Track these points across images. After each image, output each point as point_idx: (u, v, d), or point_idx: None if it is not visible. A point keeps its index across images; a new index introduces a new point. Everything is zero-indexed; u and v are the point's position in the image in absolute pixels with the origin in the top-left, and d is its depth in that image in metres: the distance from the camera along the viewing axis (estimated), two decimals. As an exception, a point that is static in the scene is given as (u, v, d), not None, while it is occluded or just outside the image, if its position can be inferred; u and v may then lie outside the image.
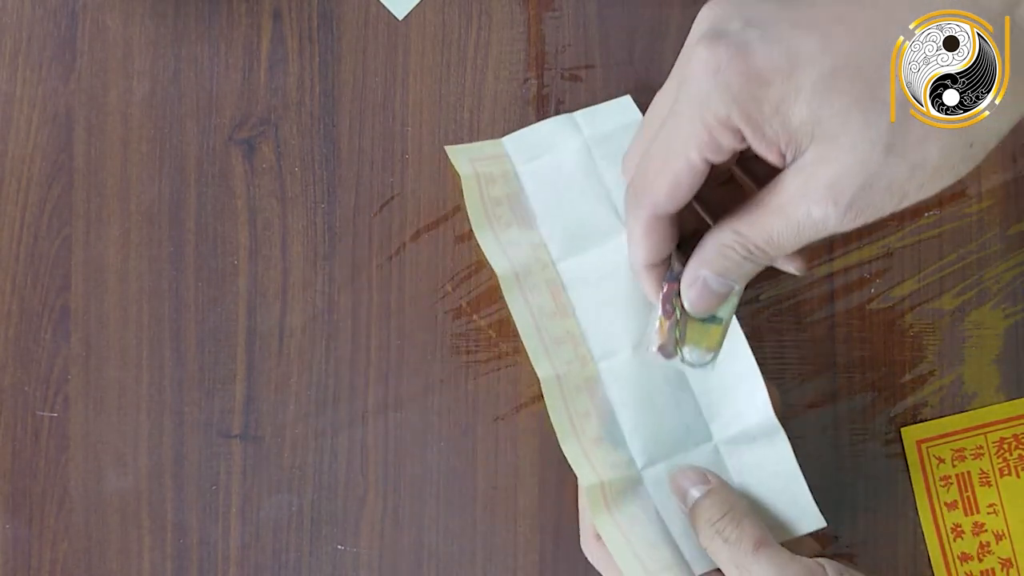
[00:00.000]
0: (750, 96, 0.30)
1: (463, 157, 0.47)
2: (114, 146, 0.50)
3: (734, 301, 0.38)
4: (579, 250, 0.45)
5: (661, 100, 0.35)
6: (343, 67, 0.50)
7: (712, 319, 0.39)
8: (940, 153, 0.29)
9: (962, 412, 0.49)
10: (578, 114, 0.47)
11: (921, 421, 0.48)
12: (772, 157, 0.32)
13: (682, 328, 0.39)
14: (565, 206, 0.46)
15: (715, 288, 0.37)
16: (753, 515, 0.39)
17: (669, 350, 0.39)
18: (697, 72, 0.31)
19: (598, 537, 0.41)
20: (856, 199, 0.30)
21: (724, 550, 0.38)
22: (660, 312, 0.39)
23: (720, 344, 0.40)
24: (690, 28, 0.34)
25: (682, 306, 0.38)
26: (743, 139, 0.31)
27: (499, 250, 0.46)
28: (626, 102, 0.47)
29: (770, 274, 0.48)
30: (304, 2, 0.50)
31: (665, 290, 0.39)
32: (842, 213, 0.31)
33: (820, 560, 0.37)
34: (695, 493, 0.40)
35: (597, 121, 0.47)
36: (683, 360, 0.39)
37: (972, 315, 0.49)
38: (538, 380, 0.43)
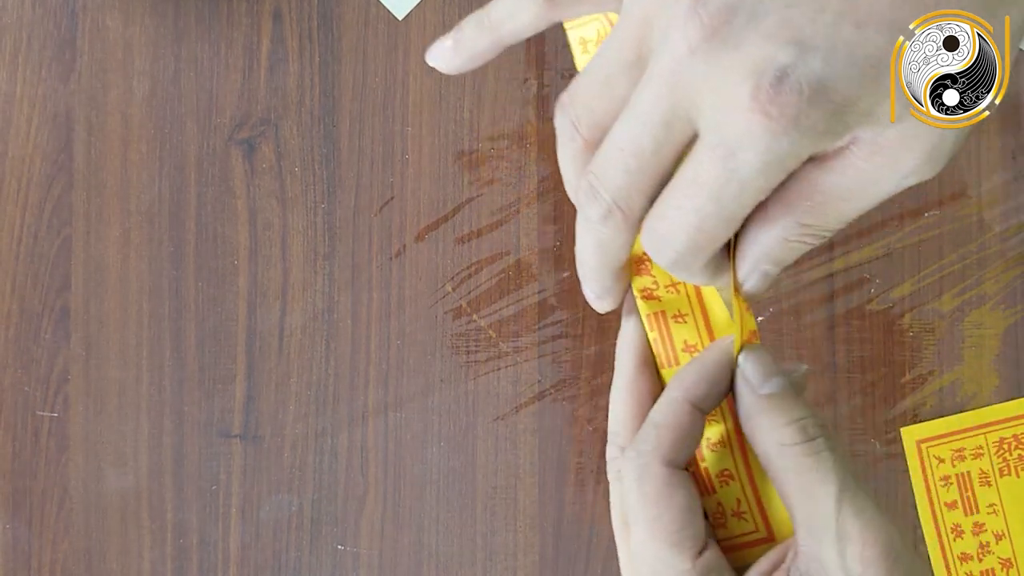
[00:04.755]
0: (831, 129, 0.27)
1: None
2: (114, 146, 0.50)
3: None
4: None
5: (649, 100, 0.29)
6: (343, 67, 0.50)
7: None
8: None
9: (962, 412, 0.49)
10: None
11: (921, 421, 0.48)
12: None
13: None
14: None
15: (775, 274, 0.32)
16: None
17: None
18: (749, 124, 0.27)
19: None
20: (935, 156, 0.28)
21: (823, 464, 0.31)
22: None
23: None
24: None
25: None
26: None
27: None
28: None
29: (770, 274, 0.48)
30: (304, 2, 0.50)
31: None
32: (930, 171, 0.28)
33: None
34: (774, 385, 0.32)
35: None
36: None
37: (972, 315, 0.49)
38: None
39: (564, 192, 0.50)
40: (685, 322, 0.33)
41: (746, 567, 0.32)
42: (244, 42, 0.50)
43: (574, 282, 0.49)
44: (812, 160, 0.29)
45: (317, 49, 0.50)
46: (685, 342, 0.33)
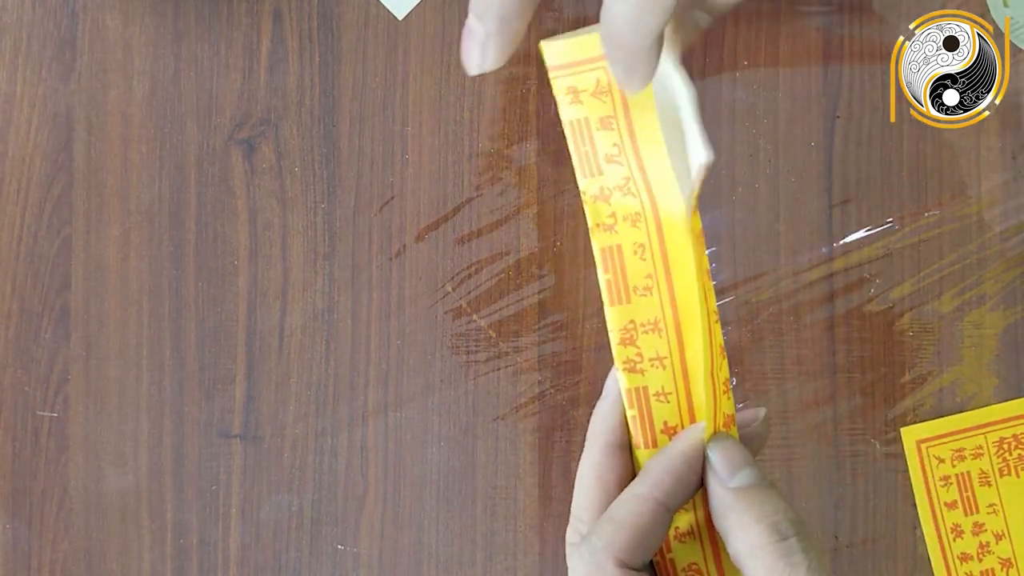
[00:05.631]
0: None
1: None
2: (114, 146, 0.50)
3: None
4: None
5: None
6: (343, 67, 0.50)
7: None
8: None
9: (961, 412, 0.49)
10: None
11: (920, 421, 0.48)
12: None
13: None
14: None
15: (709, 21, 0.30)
16: None
17: None
18: None
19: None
20: None
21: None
22: None
23: None
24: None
25: None
26: None
27: None
28: None
29: (770, 273, 0.48)
30: (304, 2, 0.50)
31: None
32: None
33: None
34: (749, 477, 0.30)
35: None
36: None
37: (971, 315, 0.49)
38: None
39: (564, 192, 0.51)
40: (667, 401, 0.30)
41: None
42: (244, 42, 0.50)
43: (574, 282, 0.49)
44: None
45: (317, 49, 0.50)
46: (665, 423, 0.31)
